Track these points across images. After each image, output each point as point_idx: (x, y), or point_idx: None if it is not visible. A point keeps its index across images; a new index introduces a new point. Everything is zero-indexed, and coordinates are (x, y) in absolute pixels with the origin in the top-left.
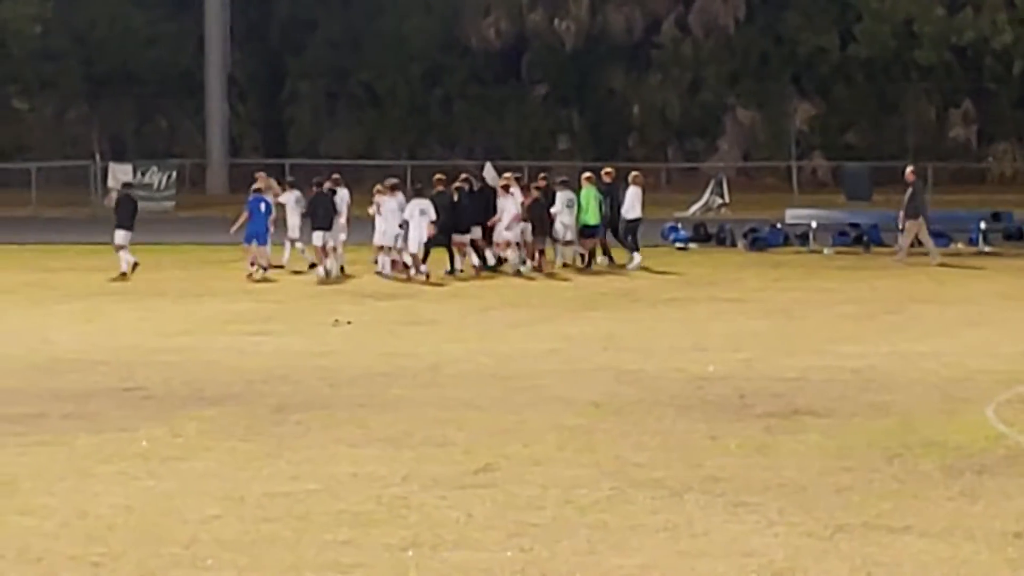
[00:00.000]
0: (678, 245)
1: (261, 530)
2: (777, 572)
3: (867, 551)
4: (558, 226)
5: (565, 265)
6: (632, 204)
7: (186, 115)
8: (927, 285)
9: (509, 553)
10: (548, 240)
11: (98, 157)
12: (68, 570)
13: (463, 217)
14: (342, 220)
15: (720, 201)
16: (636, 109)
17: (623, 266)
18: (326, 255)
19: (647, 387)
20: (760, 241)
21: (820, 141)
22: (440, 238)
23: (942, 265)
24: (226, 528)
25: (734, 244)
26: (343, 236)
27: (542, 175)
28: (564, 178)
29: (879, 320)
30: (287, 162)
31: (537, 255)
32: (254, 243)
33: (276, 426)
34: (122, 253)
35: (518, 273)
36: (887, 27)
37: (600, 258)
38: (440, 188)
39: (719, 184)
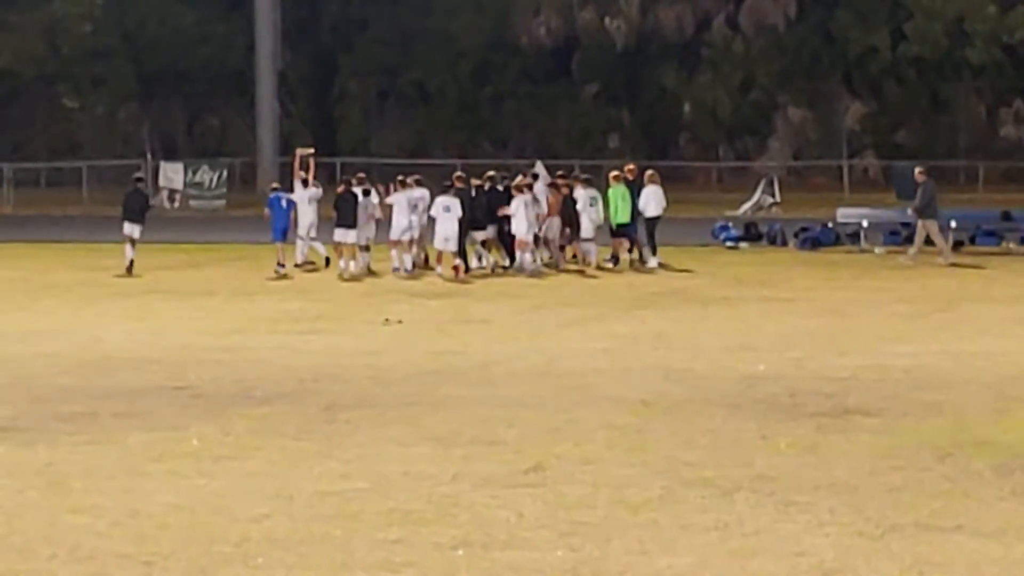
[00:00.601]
0: (729, 244)
1: (311, 529)
2: (828, 572)
3: (918, 551)
4: (585, 223)
5: (595, 265)
6: (648, 202)
7: (237, 114)
8: (978, 284)
9: (560, 552)
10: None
11: (149, 156)
12: (119, 568)
13: (480, 215)
14: (373, 219)
15: (771, 200)
16: (687, 108)
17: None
18: (343, 253)
19: (697, 386)
20: (811, 240)
21: (871, 140)
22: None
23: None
24: (276, 527)
25: (785, 243)
26: (370, 235)
27: (560, 172)
28: (587, 175)
29: (930, 319)
30: (337, 161)
31: (565, 252)
32: (279, 239)
33: (326, 425)
34: (128, 247)
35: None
36: (938, 25)
37: (650, 258)
38: (459, 185)
39: (770, 183)
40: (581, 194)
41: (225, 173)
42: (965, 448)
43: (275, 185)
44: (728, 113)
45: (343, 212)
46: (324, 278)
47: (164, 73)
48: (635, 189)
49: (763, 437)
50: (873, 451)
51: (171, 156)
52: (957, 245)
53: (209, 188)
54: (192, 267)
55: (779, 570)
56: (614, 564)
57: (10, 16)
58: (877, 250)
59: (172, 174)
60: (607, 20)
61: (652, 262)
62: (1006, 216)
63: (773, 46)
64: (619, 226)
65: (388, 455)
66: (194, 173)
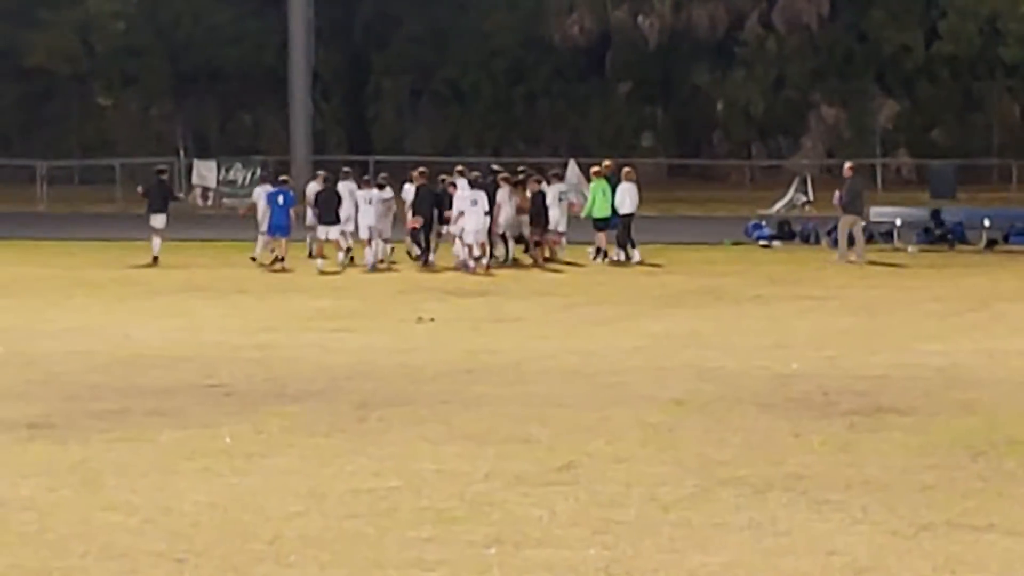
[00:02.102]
0: (762, 243)
1: (344, 527)
2: (860, 570)
3: (951, 549)
4: (554, 216)
5: (547, 259)
6: (623, 199)
7: (270, 112)
8: (1012, 283)
9: (592, 551)
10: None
11: (182, 154)
12: (152, 566)
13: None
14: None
15: (804, 199)
16: (720, 106)
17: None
18: (338, 247)
19: (730, 384)
20: None
21: (904, 139)
22: (419, 232)
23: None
24: (309, 525)
25: (818, 242)
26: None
27: (520, 168)
28: (556, 171)
29: (963, 318)
30: (371, 159)
31: (534, 246)
32: (277, 235)
33: (359, 423)
34: (156, 239)
35: (465, 266)
36: (972, 24)
37: (615, 252)
38: (422, 181)
39: (803, 182)
40: (551, 189)
41: (258, 171)
42: (998, 447)
43: (283, 178)
44: (761, 111)
45: (326, 208)
46: (360, 277)
47: (197, 71)
48: (614, 185)
49: (796, 435)
50: (906, 450)
51: (204, 154)
52: (991, 244)
53: (242, 186)
54: (225, 265)
55: (812, 569)
56: (647, 562)
57: (44, 14)
58: (910, 249)
59: (205, 172)
60: (640, 18)
61: (635, 256)
62: (935, 215)
63: (806, 44)
64: (599, 220)
65: (421, 453)
66: (227, 171)
